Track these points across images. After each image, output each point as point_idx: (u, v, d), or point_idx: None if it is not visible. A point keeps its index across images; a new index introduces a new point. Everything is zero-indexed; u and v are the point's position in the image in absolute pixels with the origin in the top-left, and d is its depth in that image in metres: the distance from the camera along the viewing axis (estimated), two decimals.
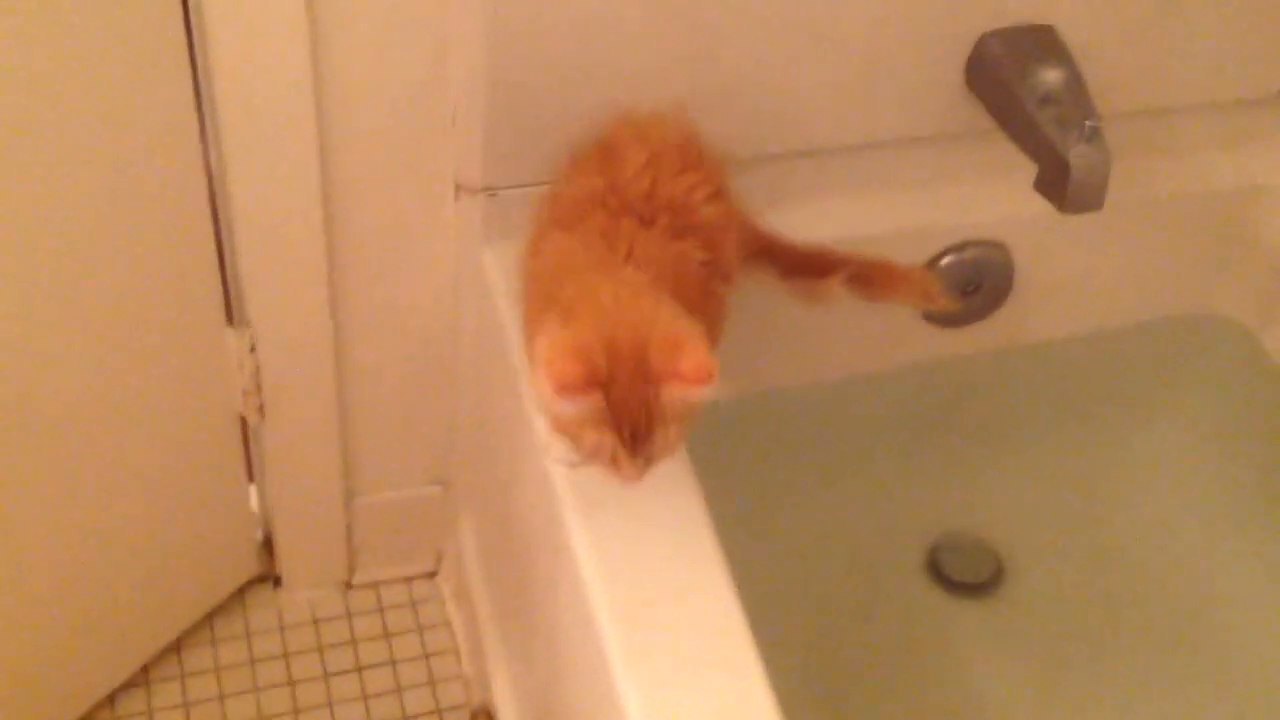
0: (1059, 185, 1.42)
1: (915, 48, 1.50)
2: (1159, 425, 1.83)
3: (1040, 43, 1.49)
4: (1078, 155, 1.40)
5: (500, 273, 1.43)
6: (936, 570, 1.67)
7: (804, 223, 1.58)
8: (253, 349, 1.54)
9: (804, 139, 1.54)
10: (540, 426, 1.30)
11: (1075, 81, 1.46)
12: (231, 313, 1.54)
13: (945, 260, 1.64)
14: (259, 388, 1.57)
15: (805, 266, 1.47)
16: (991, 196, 1.65)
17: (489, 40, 1.35)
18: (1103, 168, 1.41)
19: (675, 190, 1.29)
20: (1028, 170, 1.50)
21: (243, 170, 1.41)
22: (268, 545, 1.80)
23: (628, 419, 1.13)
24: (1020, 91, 1.46)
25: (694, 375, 1.11)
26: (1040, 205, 1.57)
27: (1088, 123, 1.39)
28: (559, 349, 1.11)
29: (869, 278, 1.47)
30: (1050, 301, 1.73)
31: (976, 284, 1.67)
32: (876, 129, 1.56)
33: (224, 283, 1.52)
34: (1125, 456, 1.80)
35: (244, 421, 1.63)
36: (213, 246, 1.48)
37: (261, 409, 1.59)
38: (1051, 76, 1.46)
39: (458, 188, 1.47)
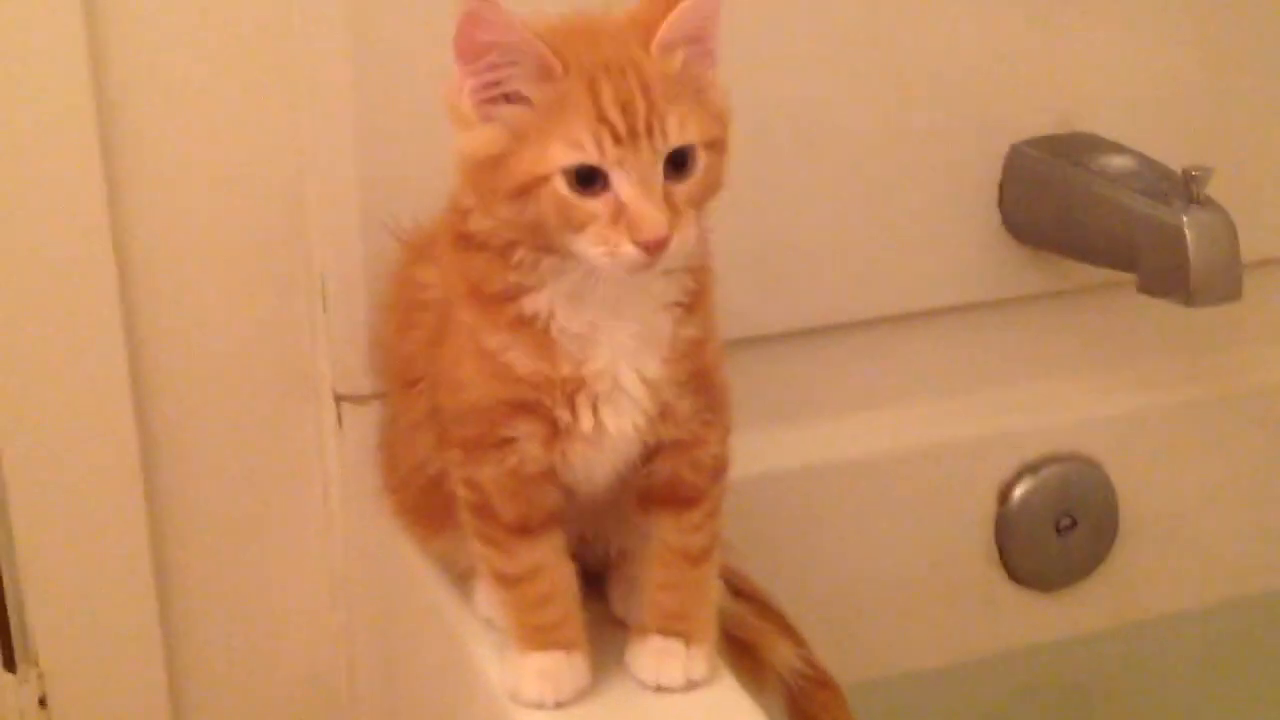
0: (1175, 269, 1.02)
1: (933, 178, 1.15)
2: None
3: (1084, 143, 1.15)
4: (1192, 220, 1.02)
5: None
6: None
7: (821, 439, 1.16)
8: (43, 703, 1.02)
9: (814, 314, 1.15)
10: None
11: (1146, 162, 1.10)
12: (11, 651, 1.04)
13: (1020, 488, 1.20)
14: None
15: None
16: (1065, 392, 1.23)
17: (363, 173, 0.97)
18: (1227, 232, 1.03)
19: None
20: (1109, 345, 1.20)
21: (18, 431, 1.00)
22: None
23: (612, 97, 0.72)
24: (1082, 180, 1.09)
25: None
26: (1136, 402, 1.23)
27: (1190, 171, 1.02)
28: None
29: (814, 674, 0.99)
30: (1174, 546, 1.27)
31: (1071, 517, 1.22)
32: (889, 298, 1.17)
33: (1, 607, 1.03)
34: None
35: None
36: None
37: None
38: (1116, 161, 1.11)
39: (339, 400, 1.02)
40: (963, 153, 1.14)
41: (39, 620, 1.03)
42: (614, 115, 0.72)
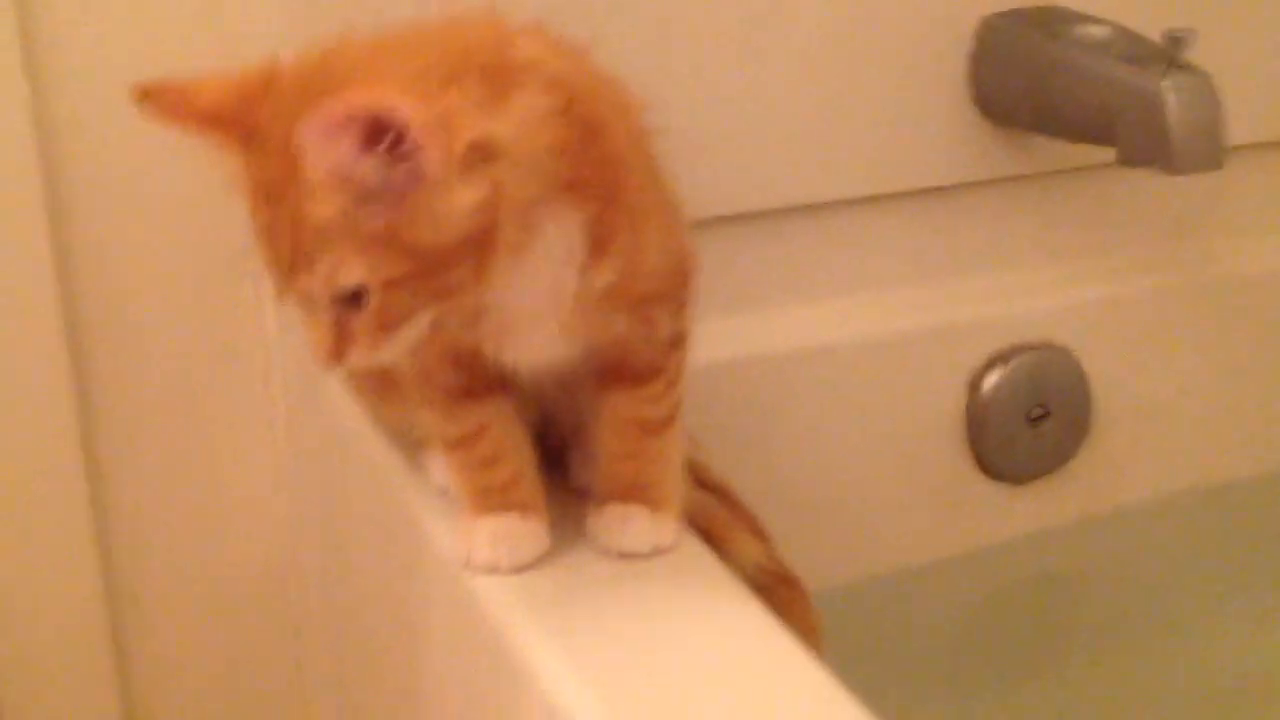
0: (1155, 135, 0.98)
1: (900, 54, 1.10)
2: None
3: (1057, 15, 1.11)
4: (1171, 85, 0.98)
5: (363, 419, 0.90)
6: None
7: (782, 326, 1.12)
8: None
9: (776, 195, 1.10)
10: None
11: (1124, 32, 1.06)
12: None
13: (991, 378, 1.16)
14: None
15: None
16: (1038, 279, 1.20)
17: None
18: (1208, 95, 0.99)
19: None
20: (1083, 231, 1.17)
21: None
22: None
23: (263, 227, 0.66)
24: (1059, 50, 1.05)
25: (331, 118, 0.61)
26: (1110, 289, 1.21)
27: (1172, 33, 0.98)
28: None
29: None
30: (1146, 437, 1.24)
31: (1043, 407, 1.18)
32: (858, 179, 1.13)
33: None
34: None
35: None
36: None
37: None
38: (1093, 30, 1.07)
39: None
40: (930, 26, 1.10)
41: None
42: (263, 245, 0.66)
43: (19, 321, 0.94)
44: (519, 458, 0.77)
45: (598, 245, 0.70)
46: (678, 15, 1.03)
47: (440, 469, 0.82)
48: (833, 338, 1.12)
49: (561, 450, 0.84)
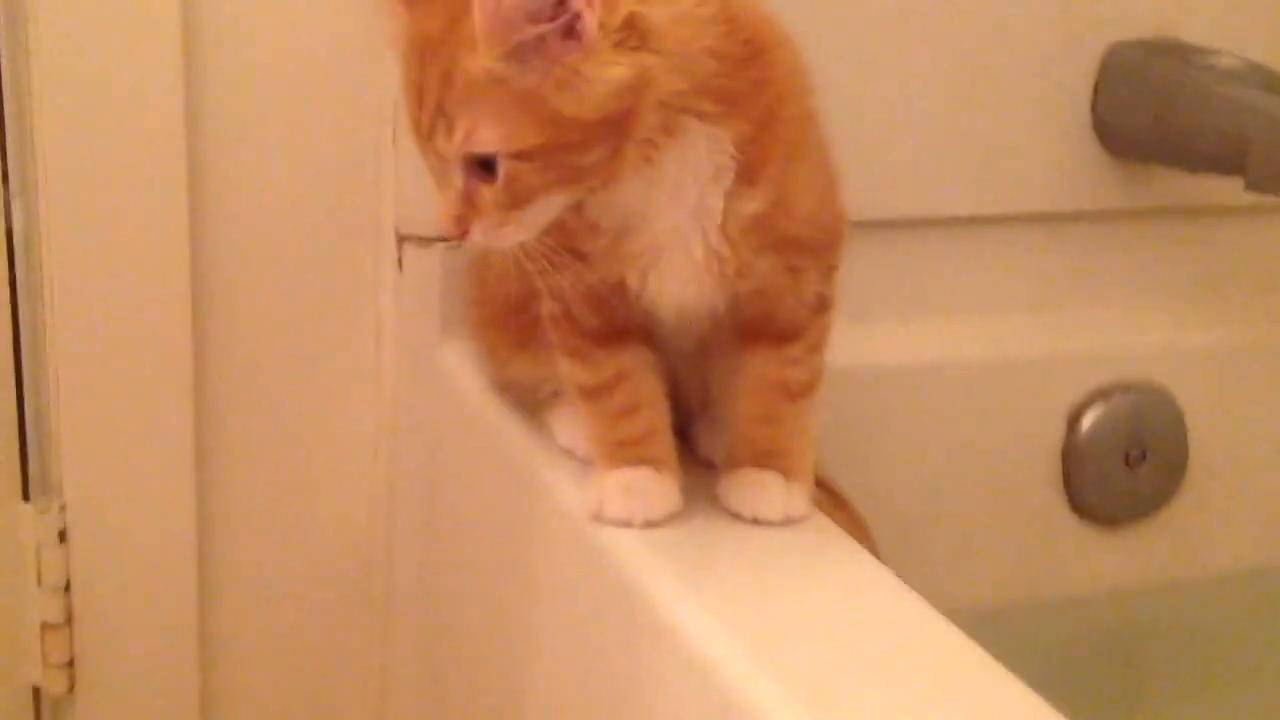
0: None
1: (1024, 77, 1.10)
2: None
3: (1183, 47, 1.10)
4: None
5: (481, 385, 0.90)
6: None
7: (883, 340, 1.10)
8: (63, 538, 0.94)
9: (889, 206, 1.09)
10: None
11: (1251, 63, 1.06)
12: (29, 479, 0.95)
13: (1090, 415, 1.14)
14: (70, 617, 0.94)
15: None
16: (1142, 318, 1.18)
17: None
18: None
19: None
20: (1193, 272, 1.17)
21: (68, 257, 0.93)
22: None
23: (412, 82, 0.67)
24: (1190, 76, 1.05)
25: None
26: (1217, 336, 1.19)
27: None
28: None
29: None
30: (1242, 492, 1.20)
31: (1141, 448, 1.16)
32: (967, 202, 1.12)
33: (20, 424, 0.95)
34: None
35: (38, 697, 0.98)
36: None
37: (72, 666, 0.95)
38: (1221, 60, 1.06)
39: (401, 240, 0.96)
40: (1056, 51, 1.09)
41: (68, 450, 0.94)
42: (410, 103, 0.67)
43: (145, 265, 0.94)
44: (655, 411, 0.76)
45: (747, 170, 0.70)
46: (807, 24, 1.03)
47: (566, 429, 0.80)
48: (934, 357, 1.11)
49: (686, 423, 0.83)
